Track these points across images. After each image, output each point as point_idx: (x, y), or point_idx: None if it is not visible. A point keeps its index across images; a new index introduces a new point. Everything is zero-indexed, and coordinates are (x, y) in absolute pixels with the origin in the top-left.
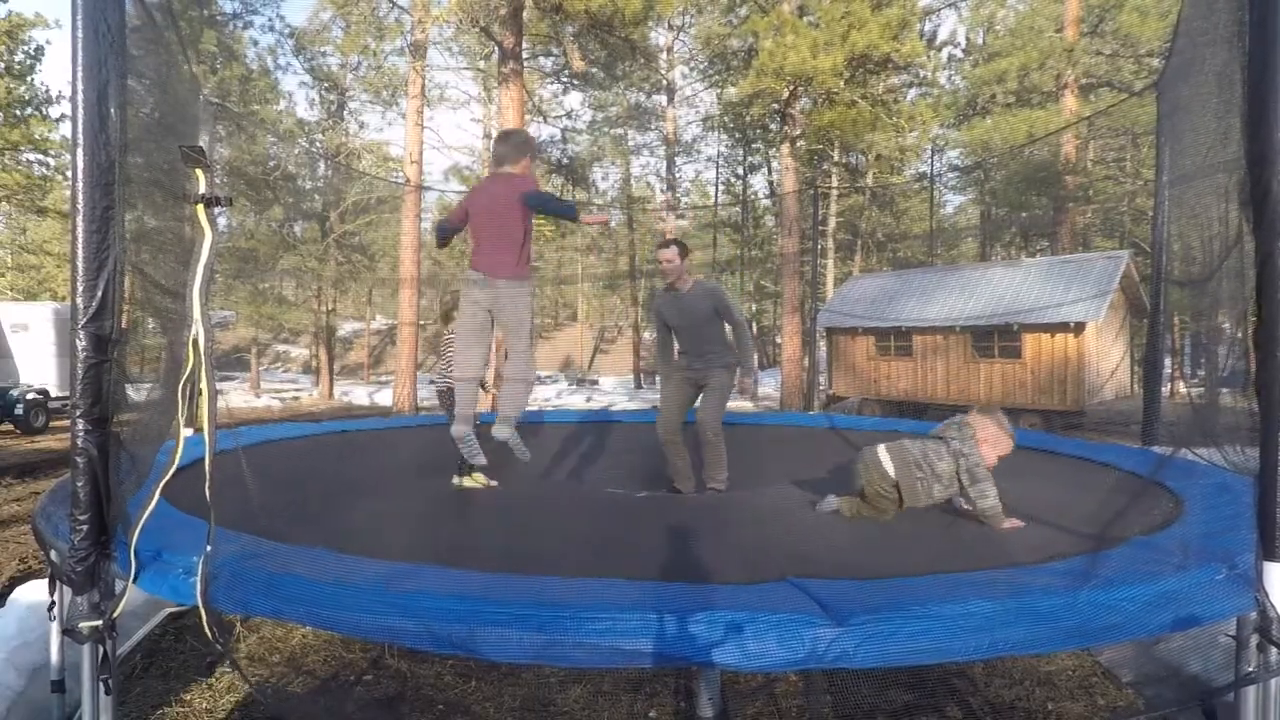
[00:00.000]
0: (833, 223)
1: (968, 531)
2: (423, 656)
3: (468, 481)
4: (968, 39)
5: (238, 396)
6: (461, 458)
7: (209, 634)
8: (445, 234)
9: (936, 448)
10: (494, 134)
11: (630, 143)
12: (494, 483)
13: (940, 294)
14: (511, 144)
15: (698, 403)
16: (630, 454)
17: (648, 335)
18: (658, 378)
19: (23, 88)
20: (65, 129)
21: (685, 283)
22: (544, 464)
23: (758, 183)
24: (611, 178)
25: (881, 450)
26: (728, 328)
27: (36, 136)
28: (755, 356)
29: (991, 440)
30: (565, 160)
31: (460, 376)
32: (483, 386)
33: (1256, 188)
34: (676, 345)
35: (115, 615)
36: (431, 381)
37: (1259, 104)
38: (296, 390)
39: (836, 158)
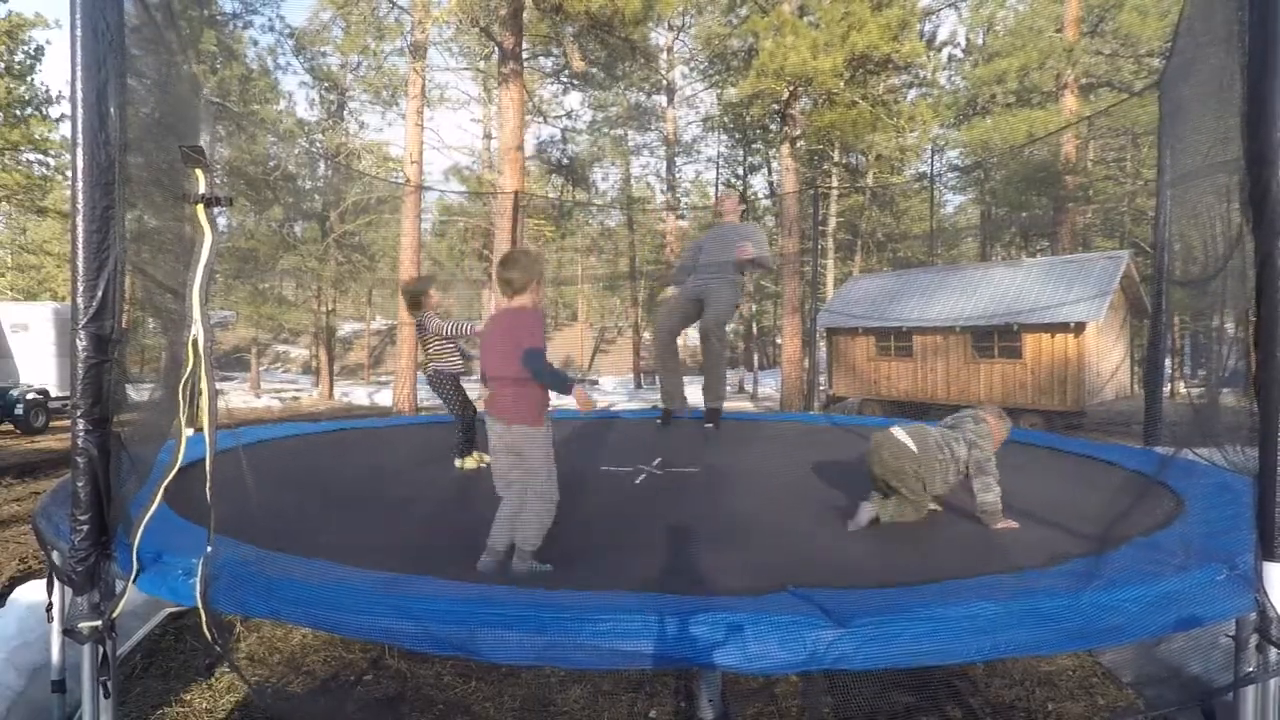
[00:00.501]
0: (833, 223)
1: (968, 532)
2: (423, 656)
3: (469, 463)
4: (968, 39)
5: (238, 397)
6: (459, 441)
7: (208, 635)
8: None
9: (954, 435)
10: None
11: (630, 143)
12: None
13: (940, 294)
14: (520, 269)
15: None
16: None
17: (647, 336)
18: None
19: (23, 88)
20: (65, 129)
21: (734, 216)
22: None
23: (758, 183)
24: (611, 178)
25: (899, 431)
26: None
27: (36, 136)
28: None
29: (996, 437)
30: (565, 160)
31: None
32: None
33: (1256, 188)
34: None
35: (115, 615)
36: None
37: (1258, 104)
38: (296, 390)
39: (836, 158)
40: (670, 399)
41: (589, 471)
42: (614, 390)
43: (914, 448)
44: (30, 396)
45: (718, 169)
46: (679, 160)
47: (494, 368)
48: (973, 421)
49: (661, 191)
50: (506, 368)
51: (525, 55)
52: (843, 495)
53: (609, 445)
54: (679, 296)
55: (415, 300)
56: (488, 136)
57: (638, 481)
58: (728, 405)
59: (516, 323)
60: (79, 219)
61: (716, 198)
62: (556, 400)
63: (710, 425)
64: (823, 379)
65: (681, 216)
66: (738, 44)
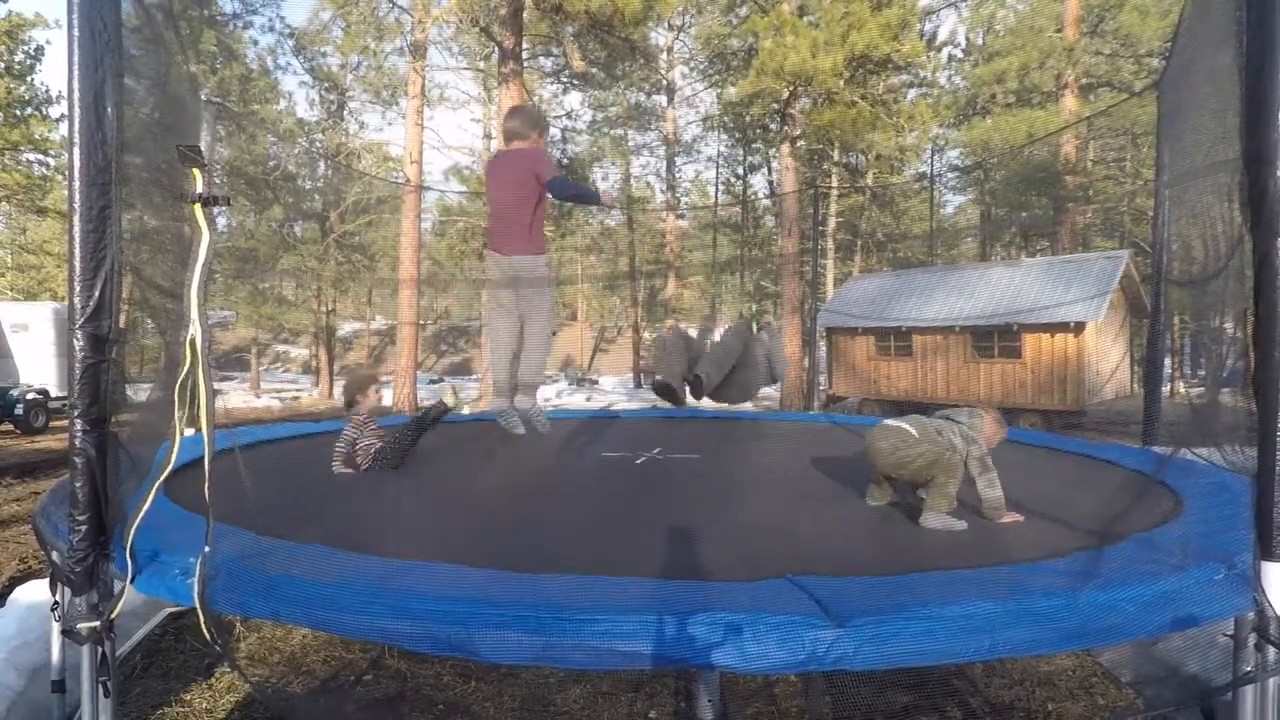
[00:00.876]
0: (833, 223)
1: (967, 531)
2: (423, 656)
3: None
4: (968, 39)
5: (237, 396)
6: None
7: (207, 635)
8: None
9: (949, 425)
10: (499, 122)
11: (630, 143)
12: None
13: (940, 294)
14: (522, 119)
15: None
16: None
17: (647, 335)
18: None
19: (23, 88)
20: (65, 129)
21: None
22: (545, 460)
23: (758, 183)
24: (611, 178)
25: (892, 420)
26: None
27: (36, 136)
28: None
29: (991, 435)
30: (565, 160)
31: (494, 348)
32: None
33: (1254, 188)
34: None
35: (114, 616)
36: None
37: (1256, 104)
38: (296, 390)
39: (836, 158)
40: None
41: (590, 458)
42: (613, 390)
43: (912, 431)
44: (30, 396)
45: (717, 169)
46: (679, 160)
47: (501, 205)
48: (968, 414)
49: (661, 191)
50: (515, 202)
51: (525, 55)
52: (842, 486)
53: (609, 438)
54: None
55: (353, 402)
56: (488, 136)
57: (638, 462)
58: (728, 406)
59: (525, 159)
60: (76, 219)
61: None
62: (557, 400)
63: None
64: (822, 379)
65: (681, 216)
66: (738, 44)
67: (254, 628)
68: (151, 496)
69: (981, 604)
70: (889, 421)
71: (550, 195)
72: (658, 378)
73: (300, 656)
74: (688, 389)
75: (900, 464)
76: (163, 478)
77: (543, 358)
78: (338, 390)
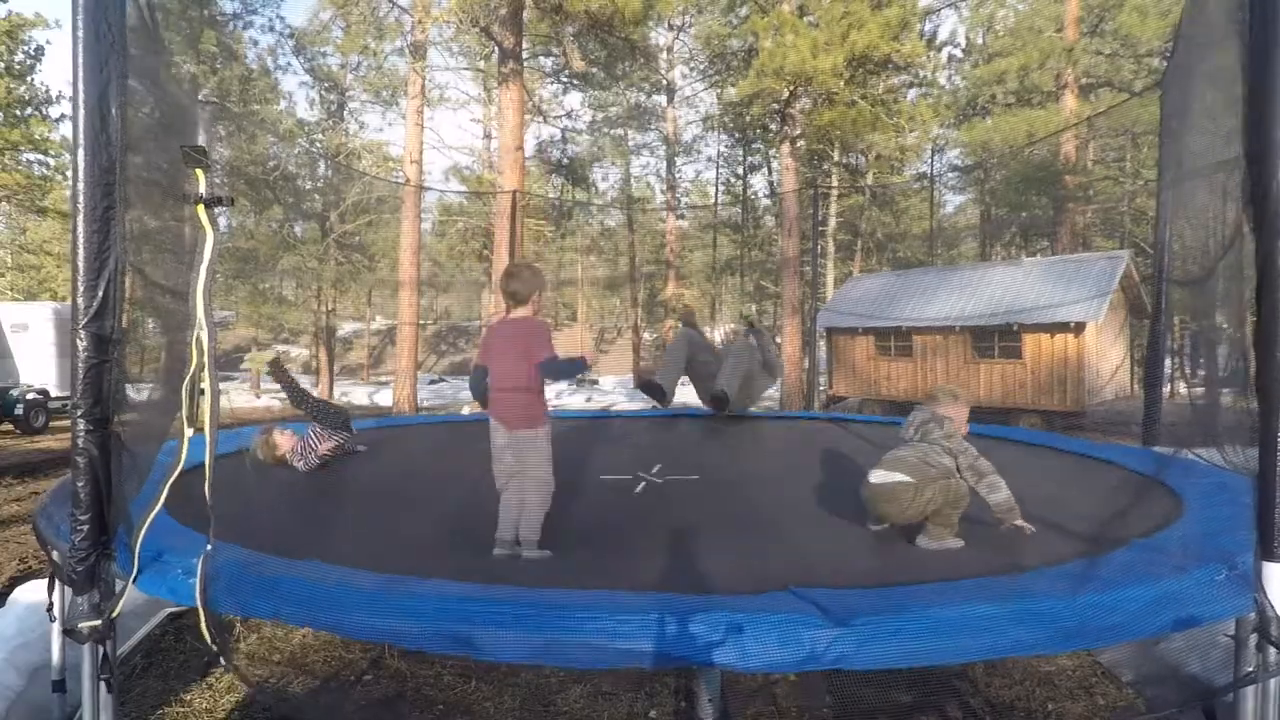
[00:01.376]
0: (833, 223)
1: (967, 532)
2: (423, 656)
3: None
4: (968, 39)
5: (238, 397)
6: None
7: (207, 636)
8: (480, 389)
9: (928, 447)
10: (503, 271)
11: (630, 143)
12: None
13: (940, 294)
14: (522, 283)
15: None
16: (630, 449)
17: (647, 336)
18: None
19: (23, 88)
20: (65, 129)
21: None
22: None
23: (758, 183)
24: (611, 178)
25: (877, 476)
26: None
27: (36, 136)
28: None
29: (961, 421)
30: (565, 160)
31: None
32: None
33: (1256, 187)
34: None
35: (115, 615)
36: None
37: (1258, 104)
38: None
39: (836, 158)
40: (663, 377)
41: (589, 478)
42: (614, 390)
43: (911, 480)
44: (30, 396)
45: (717, 169)
46: (679, 160)
47: (500, 377)
48: (937, 427)
49: (661, 191)
50: (514, 376)
51: (525, 55)
52: (842, 497)
53: (608, 449)
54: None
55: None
56: (488, 136)
57: (637, 491)
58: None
59: (524, 332)
60: (79, 219)
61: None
62: (556, 401)
63: (719, 401)
64: (823, 379)
65: (681, 216)
66: (738, 44)
67: (254, 628)
68: (163, 496)
69: (981, 604)
70: (882, 480)
71: (540, 371)
72: (646, 377)
73: (300, 656)
74: (712, 402)
75: (916, 515)
76: (173, 477)
77: (538, 521)
78: (338, 390)
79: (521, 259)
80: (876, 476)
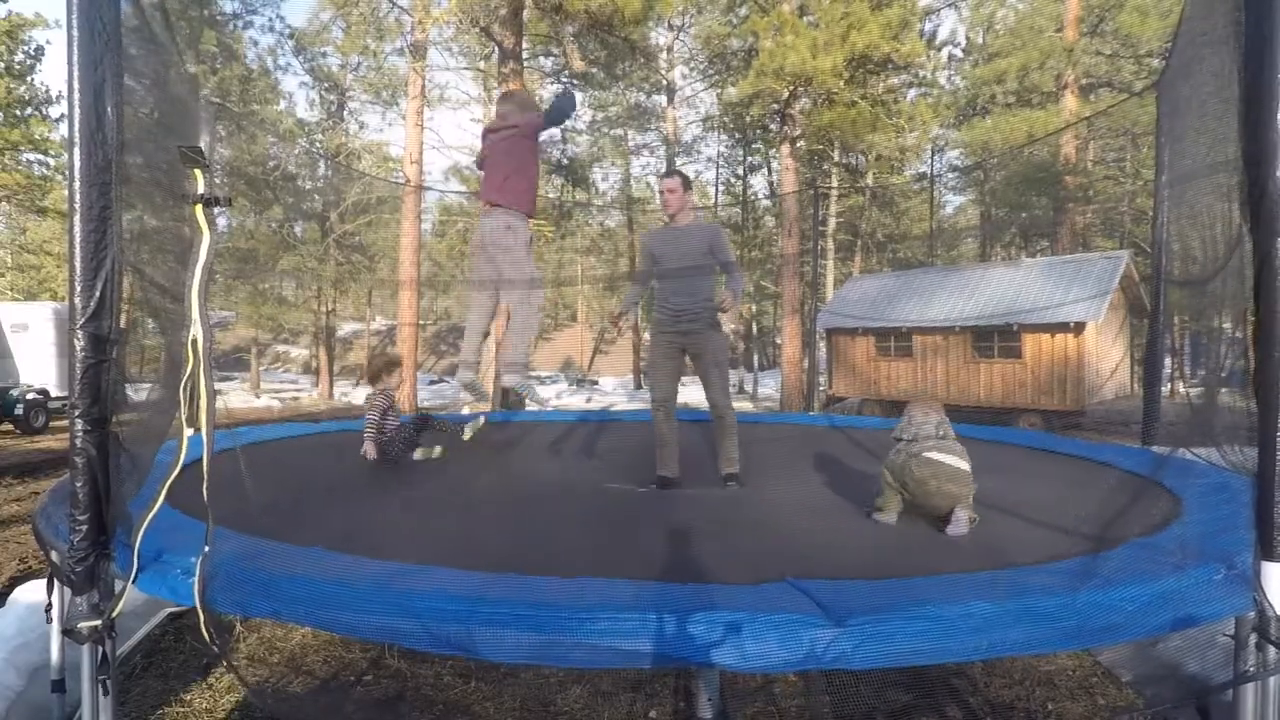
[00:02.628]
0: (833, 223)
1: (970, 536)
2: (423, 656)
3: (422, 453)
4: (968, 39)
5: (238, 397)
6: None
7: (206, 636)
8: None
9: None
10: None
11: (630, 143)
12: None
13: (940, 294)
14: (515, 103)
15: (695, 377)
16: (631, 452)
17: (647, 336)
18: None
19: (23, 88)
20: (65, 129)
21: (685, 217)
22: (545, 461)
23: (758, 183)
24: (611, 178)
25: (947, 456)
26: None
27: (36, 136)
28: (741, 288)
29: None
30: (565, 160)
31: (470, 327)
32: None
33: (1254, 188)
34: (657, 294)
35: (114, 615)
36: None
37: (1256, 105)
38: (296, 390)
39: (836, 158)
40: (666, 466)
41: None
42: (614, 391)
43: (968, 465)
44: (30, 396)
45: (717, 169)
46: (679, 160)
47: (494, 164)
48: (934, 426)
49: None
50: (510, 157)
51: (525, 55)
52: (842, 501)
53: (606, 456)
54: (663, 352)
55: (377, 376)
56: None
57: (641, 490)
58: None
59: (516, 123)
60: (76, 219)
61: (661, 189)
62: (557, 401)
63: (731, 484)
64: (823, 379)
65: None
66: (738, 44)
67: (254, 627)
68: (162, 496)
69: (981, 603)
70: (954, 462)
71: (543, 125)
72: (661, 475)
73: (300, 656)
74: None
75: (959, 502)
76: (172, 477)
77: (529, 336)
78: (338, 390)
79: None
80: (945, 457)
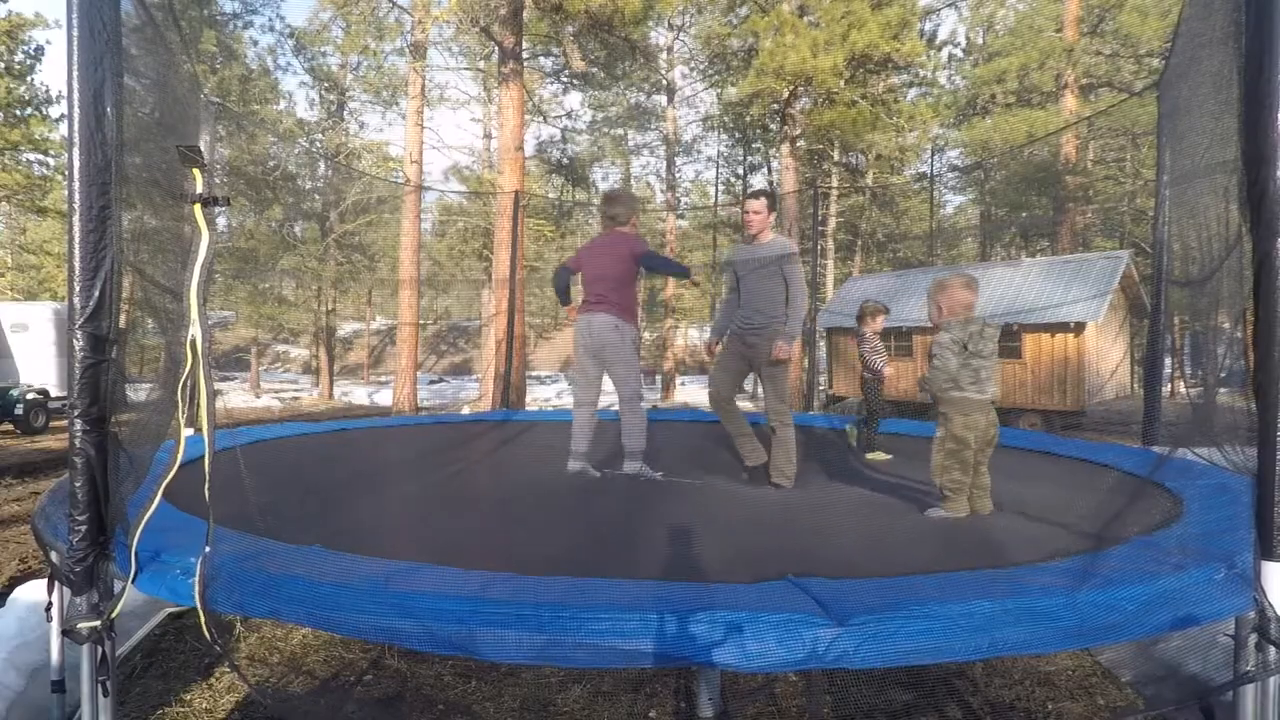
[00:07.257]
0: (833, 223)
1: (967, 531)
2: (423, 656)
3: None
4: (968, 39)
5: (237, 397)
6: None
7: (207, 636)
8: (563, 284)
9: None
10: (601, 196)
11: (630, 143)
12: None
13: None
14: (623, 205)
15: (756, 387)
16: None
17: (647, 335)
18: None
19: (23, 88)
20: (65, 129)
21: (766, 236)
22: (545, 460)
23: (758, 183)
24: (611, 178)
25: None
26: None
27: (36, 136)
28: (802, 317)
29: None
30: (565, 160)
31: (576, 405)
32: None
33: (1253, 188)
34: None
35: (114, 616)
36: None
37: (1255, 105)
38: (296, 390)
39: (836, 158)
40: (749, 456)
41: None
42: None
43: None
44: (30, 396)
45: (717, 169)
46: (679, 160)
47: (599, 271)
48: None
49: (661, 191)
50: (615, 271)
51: (525, 55)
52: (842, 499)
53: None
54: (729, 357)
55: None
56: (488, 136)
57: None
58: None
59: (625, 239)
60: (75, 219)
61: (746, 209)
62: (558, 401)
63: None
64: (822, 379)
65: (681, 216)
66: (738, 44)
67: (254, 628)
68: (159, 495)
69: (981, 603)
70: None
71: (642, 265)
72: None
73: (300, 656)
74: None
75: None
76: (170, 477)
77: (639, 420)
78: (338, 390)
79: (620, 188)
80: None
